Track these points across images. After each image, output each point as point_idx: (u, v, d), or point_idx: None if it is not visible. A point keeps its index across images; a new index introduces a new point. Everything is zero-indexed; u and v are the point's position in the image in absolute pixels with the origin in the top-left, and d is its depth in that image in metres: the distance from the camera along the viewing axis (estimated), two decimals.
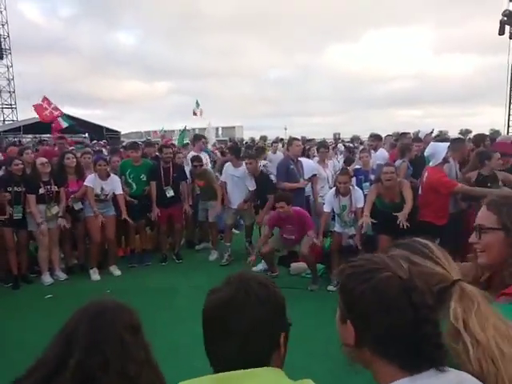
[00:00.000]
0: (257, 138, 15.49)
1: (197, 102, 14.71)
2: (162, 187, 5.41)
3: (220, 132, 33.57)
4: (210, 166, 6.66)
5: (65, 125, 11.29)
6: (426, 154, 4.58)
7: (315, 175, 5.54)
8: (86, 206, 5.03)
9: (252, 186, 5.41)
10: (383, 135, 7.10)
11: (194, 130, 25.85)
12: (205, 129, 14.24)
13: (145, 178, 5.47)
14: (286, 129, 23.20)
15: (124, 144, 11.01)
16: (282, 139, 12.96)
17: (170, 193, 5.45)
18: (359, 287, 0.88)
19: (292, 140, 5.64)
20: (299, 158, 5.50)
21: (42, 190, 4.74)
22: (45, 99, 10.50)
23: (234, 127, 33.74)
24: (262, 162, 6.31)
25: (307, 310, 3.87)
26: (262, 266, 5.10)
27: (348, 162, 6.30)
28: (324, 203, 4.85)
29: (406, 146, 5.23)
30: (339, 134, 15.02)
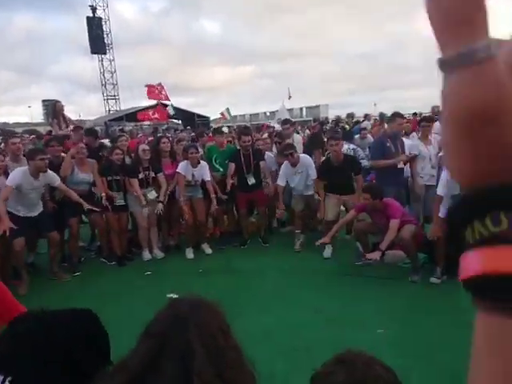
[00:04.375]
0: (343, 115, 14.67)
1: (288, 89, 15.23)
2: (244, 174, 5.41)
3: (304, 112, 32.87)
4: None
5: (172, 113, 12.75)
6: None
7: (415, 155, 4.89)
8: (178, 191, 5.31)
9: (314, 175, 5.16)
10: None
11: (277, 110, 25.79)
12: (291, 109, 14.30)
13: None
14: (375, 104, 21.81)
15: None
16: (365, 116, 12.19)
17: (252, 180, 5.42)
18: None
19: (395, 116, 5.04)
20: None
21: (141, 175, 5.08)
22: (160, 84, 11.87)
23: (318, 106, 32.70)
24: (351, 146, 5.80)
25: (410, 304, 3.56)
26: (329, 251, 4.95)
27: None
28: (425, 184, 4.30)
29: None
30: (439, 108, 13.54)
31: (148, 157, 5.14)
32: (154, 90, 11.74)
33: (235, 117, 28.23)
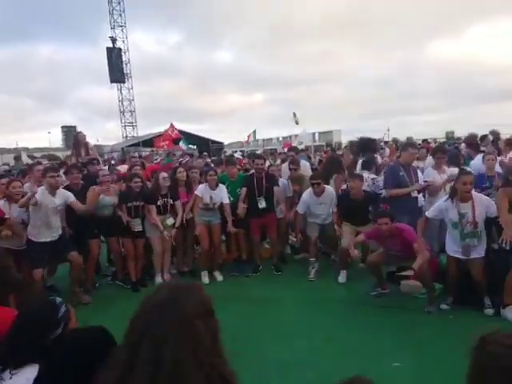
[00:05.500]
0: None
1: (294, 114, 14.98)
2: (255, 197, 5.43)
3: (317, 137, 33.12)
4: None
5: (184, 147, 13.89)
6: None
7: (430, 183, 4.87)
8: (198, 215, 5.36)
9: (335, 207, 5.22)
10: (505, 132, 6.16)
11: (290, 137, 26.02)
12: (296, 135, 14.30)
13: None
14: (388, 130, 21.77)
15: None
16: (385, 142, 12.19)
17: (263, 204, 5.41)
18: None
19: (407, 146, 5.03)
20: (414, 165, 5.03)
21: (159, 202, 5.21)
22: (172, 126, 13.02)
23: (331, 131, 32.94)
24: (370, 176, 5.59)
25: (425, 336, 3.50)
26: (344, 277, 4.98)
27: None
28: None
29: None
30: (453, 133, 13.46)
31: (168, 184, 5.27)
32: (169, 136, 12.72)
33: (249, 142, 28.62)
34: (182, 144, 13.80)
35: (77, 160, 6.79)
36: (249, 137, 15.18)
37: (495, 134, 9.54)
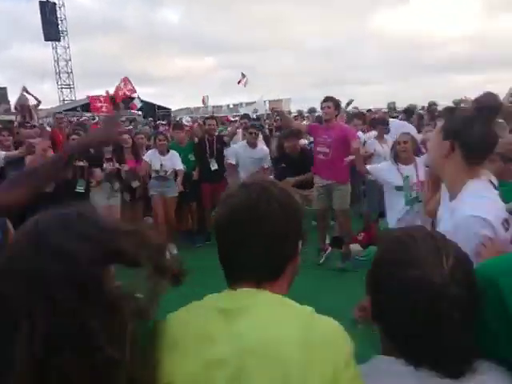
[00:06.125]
0: (305, 110, 15.02)
1: (242, 74, 14.99)
2: (207, 159, 5.40)
3: (267, 106, 33.02)
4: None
5: (139, 105, 12.37)
6: None
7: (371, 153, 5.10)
8: (150, 185, 5.16)
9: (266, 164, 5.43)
10: (443, 103, 6.66)
11: (241, 104, 25.70)
12: (254, 102, 14.18)
13: (193, 158, 5.50)
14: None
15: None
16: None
17: (214, 165, 5.43)
18: (385, 281, 0.82)
19: (353, 117, 5.31)
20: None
21: (106, 165, 4.90)
22: (124, 80, 11.39)
23: (281, 100, 32.99)
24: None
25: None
26: None
27: None
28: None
29: None
30: (394, 104, 14.07)
31: (111, 147, 4.86)
32: (118, 89, 11.39)
33: (198, 108, 27.94)
34: (137, 101, 12.67)
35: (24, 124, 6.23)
36: (203, 100, 14.91)
37: (432, 105, 10.18)
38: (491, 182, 1.51)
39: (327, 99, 4.50)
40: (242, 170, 5.33)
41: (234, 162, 5.36)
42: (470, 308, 0.79)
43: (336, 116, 4.50)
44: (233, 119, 11.73)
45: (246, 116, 7.29)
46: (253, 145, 5.30)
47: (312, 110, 13.81)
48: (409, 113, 7.65)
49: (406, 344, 0.81)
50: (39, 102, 6.88)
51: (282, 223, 0.83)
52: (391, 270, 0.82)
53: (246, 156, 5.32)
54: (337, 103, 4.40)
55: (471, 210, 1.30)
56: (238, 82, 14.82)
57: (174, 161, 5.09)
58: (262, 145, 5.56)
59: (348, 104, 8.01)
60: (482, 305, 0.82)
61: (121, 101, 11.82)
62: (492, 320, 0.84)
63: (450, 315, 0.76)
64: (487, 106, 1.82)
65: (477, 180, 1.41)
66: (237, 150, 5.39)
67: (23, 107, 6.63)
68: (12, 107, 6.94)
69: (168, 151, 5.12)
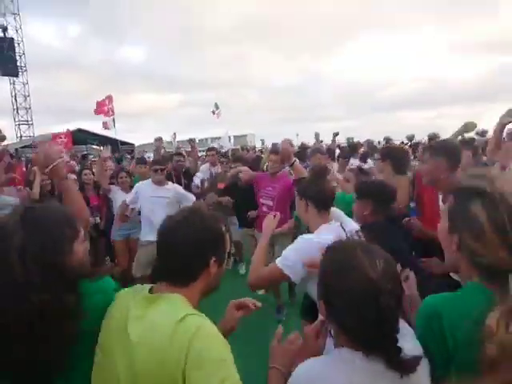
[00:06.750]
0: (269, 145, 15.40)
1: (215, 105, 14.37)
2: None
3: (232, 140, 33.59)
4: None
5: (112, 128, 12.00)
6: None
7: None
8: (113, 230, 4.85)
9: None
10: (396, 140, 7.14)
11: (206, 139, 25.92)
12: (219, 138, 14.28)
13: None
14: (297, 135, 23.09)
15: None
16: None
17: None
18: (335, 286, 1.01)
19: (315, 152, 5.22)
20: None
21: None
22: (108, 97, 11.13)
23: (245, 135, 33.72)
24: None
25: None
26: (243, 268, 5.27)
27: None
28: None
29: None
30: (353, 139, 14.86)
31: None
32: (103, 105, 11.16)
33: (170, 142, 27.83)
34: (111, 122, 12.06)
35: None
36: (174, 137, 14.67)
37: (387, 141, 10.84)
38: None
39: (273, 151, 4.30)
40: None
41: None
42: (400, 299, 1.01)
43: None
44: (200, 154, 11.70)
45: (212, 148, 7.32)
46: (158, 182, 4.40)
47: (275, 145, 14.01)
48: (352, 148, 8.29)
49: (355, 335, 0.99)
50: (3, 136, 6.55)
51: (190, 237, 1.17)
52: (340, 275, 1.01)
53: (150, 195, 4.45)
54: (284, 155, 3.54)
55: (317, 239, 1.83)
56: (213, 113, 14.36)
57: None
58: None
59: (335, 135, 8.47)
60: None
61: (103, 114, 11.66)
62: (431, 345, 1.05)
63: (389, 305, 0.95)
64: (320, 168, 2.33)
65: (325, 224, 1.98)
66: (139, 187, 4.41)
67: None
68: None
69: (131, 188, 4.65)
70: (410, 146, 10.28)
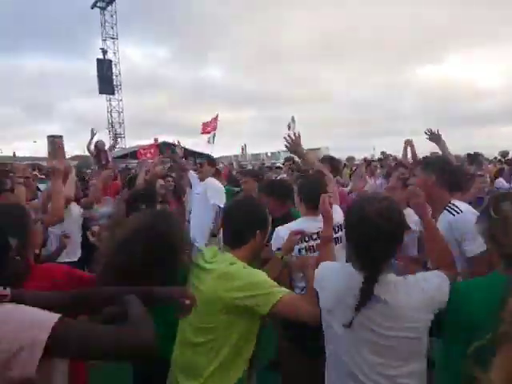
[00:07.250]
0: (343, 158, 14.70)
1: (292, 118, 13.68)
2: None
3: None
4: None
5: (212, 143, 12.11)
6: None
7: None
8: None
9: None
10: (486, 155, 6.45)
11: (279, 152, 26.19)
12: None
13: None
14: (374, 148, 22.25)
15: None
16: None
17: None
18: (352, 219, 1.44)
19: (397, 166, 4.99)
20: None
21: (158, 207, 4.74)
22: (214, 118, 11.50)
23: (319, 148, 33.39)
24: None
25: None
26: None
27: None
28: None
29: None
30: (436, 154, 13.79)
31: (163, 191, 4.82)
32: (207, 125, 11.64)
33: (237, 156, 28.77)
34: (211, 138, 12.49)
35: (103, 167, 6.62)
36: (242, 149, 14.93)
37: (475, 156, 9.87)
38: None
39: (246, 173, 4.52)
40: None
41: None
42: (392, 236, 1.35)
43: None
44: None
45: (290, 158, 7.29)
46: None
47: (351, 159, 13.15)
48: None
49: (356, 253, 1.39)
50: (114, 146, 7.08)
51: (244, 216, 1.77)
52: (355, 212, 1.41)
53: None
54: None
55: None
56: (288, 127, 13.86)
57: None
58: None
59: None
60: None
61: (206, 133, 12.09)
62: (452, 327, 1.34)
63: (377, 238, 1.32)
64: (316, 172, 2.88)
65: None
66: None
67: (100, 152, 6.97)
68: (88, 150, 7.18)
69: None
70: (505, 162, 9.26)
